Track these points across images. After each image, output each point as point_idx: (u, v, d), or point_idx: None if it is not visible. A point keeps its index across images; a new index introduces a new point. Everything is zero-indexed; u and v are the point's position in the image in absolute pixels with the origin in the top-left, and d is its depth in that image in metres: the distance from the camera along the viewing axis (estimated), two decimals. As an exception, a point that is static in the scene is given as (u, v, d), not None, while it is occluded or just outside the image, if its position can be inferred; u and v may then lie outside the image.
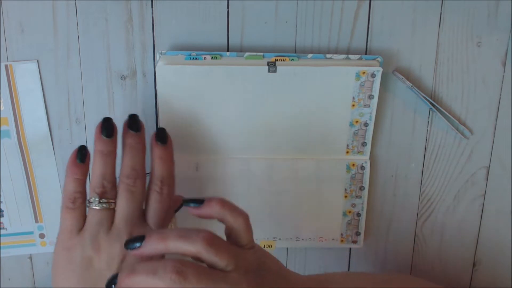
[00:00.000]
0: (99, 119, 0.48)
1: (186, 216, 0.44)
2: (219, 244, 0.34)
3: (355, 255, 0.53)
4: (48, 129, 0.48)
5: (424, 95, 0.48)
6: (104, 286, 0.34)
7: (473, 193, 0.51)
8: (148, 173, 0.42)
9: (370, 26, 0.47)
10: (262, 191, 0.50)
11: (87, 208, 0.40)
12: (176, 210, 0.44)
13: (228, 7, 0.46)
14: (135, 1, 0.45)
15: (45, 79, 0.47)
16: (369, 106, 0.47)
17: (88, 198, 0.40)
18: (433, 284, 0.48)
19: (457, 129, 0.49)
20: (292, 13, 0.46)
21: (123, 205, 0.39)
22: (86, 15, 0.45)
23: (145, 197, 0.41)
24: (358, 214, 0.50)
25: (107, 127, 0.41)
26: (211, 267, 0.33)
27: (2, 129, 0.47)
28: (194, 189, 0.49)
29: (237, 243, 0.36)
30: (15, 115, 0.47)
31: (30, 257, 0.51)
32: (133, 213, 0.39)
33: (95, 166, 0.40)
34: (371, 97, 0.47)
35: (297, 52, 0.47)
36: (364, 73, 0.46)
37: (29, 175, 0.49)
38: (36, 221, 0.50)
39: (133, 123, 0.41)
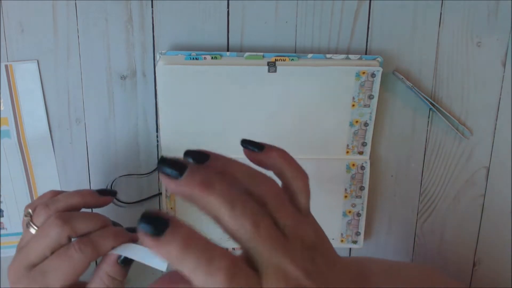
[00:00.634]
0: (99, 119, 0.48)
1: (185, 207, 0.44)
2: (284, 200, 0.28)
3: (355, 255, 0.53)
4: (48, 129, 0.48)
5: (424, 95, 0.48)
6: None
7: (473, 193, 0.51)
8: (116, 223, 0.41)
9: (370, 26, 0.47)
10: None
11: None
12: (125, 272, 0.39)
13: (228, 7, 0.46)
14: (135, 1, 0.45)
15: (45, 79, 0.47)
16: (369, 106, 0.47)
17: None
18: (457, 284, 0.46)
19: (457, 129, 0.49)
20: (292, 13, 0.46)
21: (33, 237, 0.37)
22: (86, 15, 0.45)
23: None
24: (358, 214, 0.50)
25: (108, 190, 0.42)
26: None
27: (2, 129, 0.47)
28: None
29: None
30: (15, 115, 0.47)
31: (30, 257, 0.51)
32: (32, 252, 0.36)
33: (64, 193, 0.40)
34: (371, 97, 0.47)
35: (297, 52, 0.47)
36: (364, 73, 0.46)
37: (29, 175, 0.49)
38: (36, 221, 0.50)
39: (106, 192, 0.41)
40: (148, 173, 0.48)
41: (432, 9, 0.47)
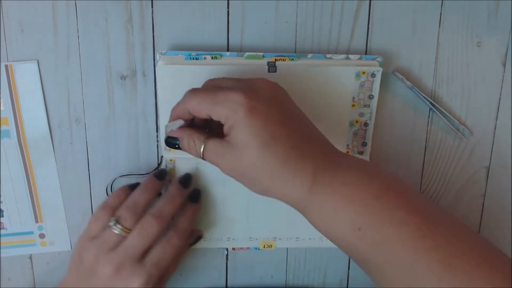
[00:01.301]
0: (99, 119, 0.48)
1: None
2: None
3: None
4: (48, 129, 0.48)
5: (424, 95, 0.48)
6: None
7: (473, 193, 0.51)
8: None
9: (370, 26, 0.47)
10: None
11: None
12: (192, 244, 0.49)
13: (228, 7, 0.46)
14: (135, 1, 0.45)
15: (45, 79, 0.47)
16: (369, 106, 0.47)
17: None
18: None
19: (457, 129, 0.49)
20: (292, 13, 0.46)
21: (132, 237, 0.43)
22: (86, 15, 0.45)
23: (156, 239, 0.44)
24: (358, 214, 0.50)
25: (161, 172, 0.47)
26: None
27: (2, 129, 0.47)
28: (194, 189, 0.49)
29: None
30: (15, 115, 0.47)
31: (30, 257, 0.51)
32: (137, 248, 0.42)
33: (133, 192, 0.45)
34: (371, 97, 0.47)
35: (297, 52, 0.47)
36: (364, 73, 0.46)
37: (29, 175, 0.49)
38: (36, 221, 0.50)
39: (185, 180, 0.47)
40: (148, 173, 0.48)
41: (432, 9, 0.47)
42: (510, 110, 0.49)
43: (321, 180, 0.36)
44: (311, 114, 0.46)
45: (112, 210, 0.44)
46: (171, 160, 0.48)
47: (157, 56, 0.46)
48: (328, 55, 0.46)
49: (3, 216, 0.50)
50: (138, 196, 0.44)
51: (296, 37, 0.47)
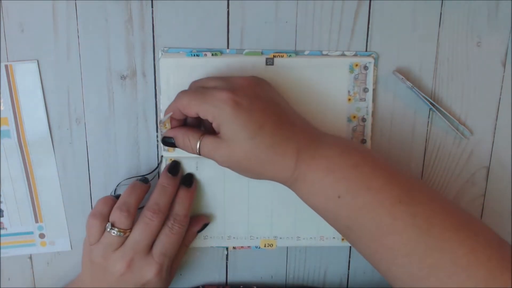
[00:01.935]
0: (99, 119, 0.48)
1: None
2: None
3: (355, 255, 0.53)
4: (48, 129, 0.48)
5: (424, 95, 0.48)
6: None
7: (473, 193, 0.51)
8: (141, 207, 0.46)
9: (370, 26, 0.47)
10: (262, 190, 0.50)
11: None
12: (199, 231, 0.49)
13: (228, 7, 0.46)
14: (135, 1, 0.45)
15: (45, 79, 0.47)
16: (364, 100, 0.47)
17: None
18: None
19: (457, 129, 0.49)
20: (292, 13, 0.46)
21: (135, 233, 0.44)
22: (86, 15, 0.45)
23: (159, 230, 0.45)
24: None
25: (145, 180, 0.47)
26: None
27: (2, 129, 0.47)
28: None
29: None
30: (15, 115, 0.47)
31: (30, 257, 0.51)
32: (142, 242, 0.44)
33: (122, 195, 0.45)
34: (366, 90, 0.47)
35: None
36: (357, 65, 0.46)
37: (29, 175, 0.49)
38: (36, 221, 0.50)
39: (173, 168, 0.47)
40: (148, 174, 0.48)
41: (432, 9, 0.47)
42: (510, 110, 0.49)
43: (304, 157, 0.39)
44: (308, 109, 0.47)
45: (102, 216, 0.44)
46: (170, 159, 0.48)
47: (159, 53, 0.46)
48: (325, 52, 0.47)
49: (3, 216, 0.50)
50: (127, 198, 0.45)
51: (296, 37, 0.47)
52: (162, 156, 0.48)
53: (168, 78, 0.46)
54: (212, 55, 0.46)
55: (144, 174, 0.48)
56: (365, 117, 0.48)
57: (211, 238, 0.51)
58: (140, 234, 0.44)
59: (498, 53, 0.48)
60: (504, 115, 0.49)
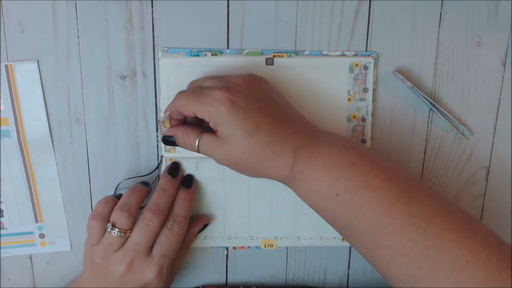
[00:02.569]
0: (99, 119, 0.48)
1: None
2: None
3: (355, 255, 0.53)
4: (48, 129, 0.48)
5: (424, 95, 0.48)
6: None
7: (473, 193, 0.51)
8: (141, 207, 0.46)
9: (370, 26, 0.47)
10: (262, 190, 0.50)
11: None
12: (200, 231, 0.49)
13: (228, 7, 0.46)
14: (135, 1, 0.45)
15: (45, 79, 0.47)
16: (364, 100, 0.47)
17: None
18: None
19: (457, 129, 0.49)
20: (292, 13, 0.46)
21: (135, 234, 0.44)
22: (86, 15, 0.45)
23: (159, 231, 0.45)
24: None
25: (145, 183, 0.47)
26: None
27: (2, 129, 0.47)
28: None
29: None
30: (15, 115, 0.47)
31: (30, 257, 0.51)
32: (142, 243, 0.44)
33: (123, 196, 0.45)
34: (365, 90, 0.47)
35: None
36: (356, 65, 0.46)
37: (29, 175, 0.49)
38: (36, 221, 0.50)
39: (173, 169, 0.47)
40: (148, 174, 0.48)
41: (432, 9, 0.47)
42: (510, 110, 0.49)
43: (301, 155, 0.39)
44: (308, 109, 0.47)
45: (102, 217, 0.44)
46: (171, 160, 0.48)
47: (159, 53, 0.46)
48: (324, 52, 0.47)
49: (3, 216, 0.50)
50: (128, 198, 0.45)
51: (296, 37, 0.47)
52: (162, 156, 0.48)
53: (168, 78, 0.46)
54: (212, 55, 0.46)
55: (144, 174, 0.49)
56: (365, 117, 0.48)
57: (211, 238, 0.51)
58: (140, 235, 0.44)
59: (498, 53, 0.48)
60: (504, 115, 0.49)
